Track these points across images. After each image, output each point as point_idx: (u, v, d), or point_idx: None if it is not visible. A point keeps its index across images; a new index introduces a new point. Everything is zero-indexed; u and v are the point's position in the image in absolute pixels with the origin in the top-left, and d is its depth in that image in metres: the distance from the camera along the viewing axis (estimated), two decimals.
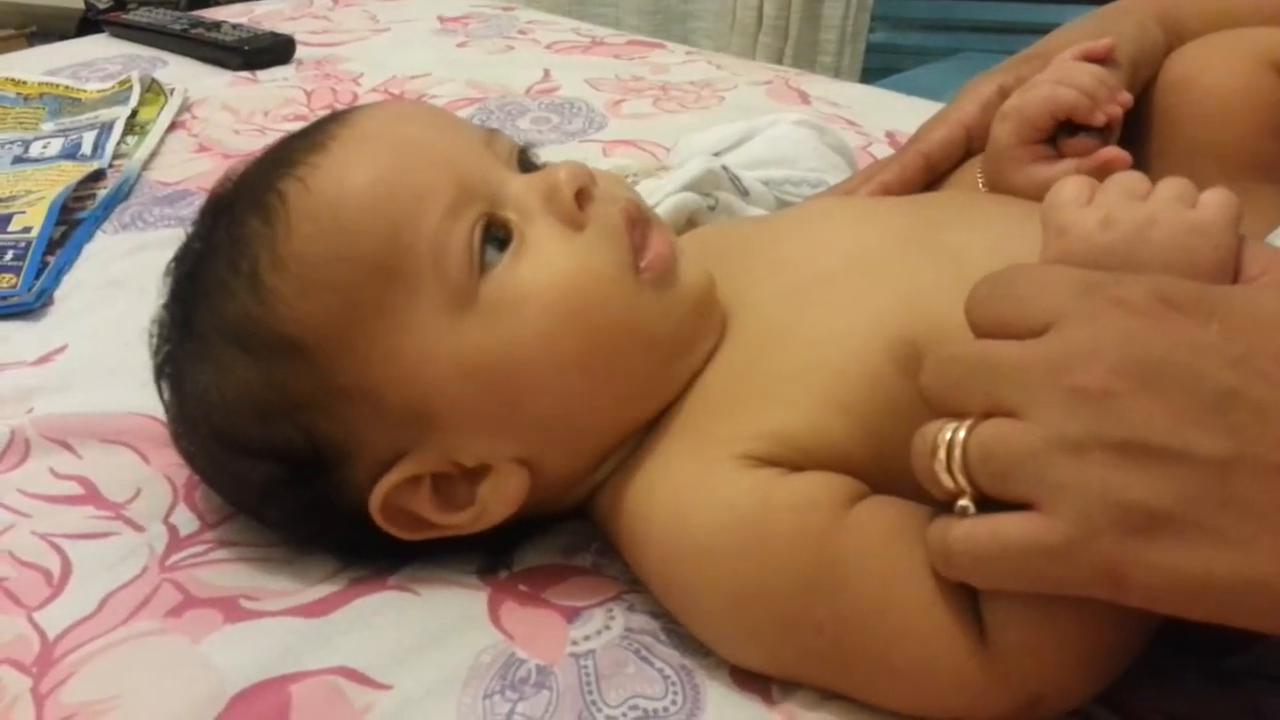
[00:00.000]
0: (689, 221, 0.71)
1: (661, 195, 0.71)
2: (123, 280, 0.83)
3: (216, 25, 1.40)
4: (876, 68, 2.34)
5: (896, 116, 1.09)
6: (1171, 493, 0.38)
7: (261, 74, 1.29)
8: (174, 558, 0.58)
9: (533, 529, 0.58)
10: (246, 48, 1.32)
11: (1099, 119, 0.63)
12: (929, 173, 0.73)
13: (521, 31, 1.44)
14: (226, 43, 1.34)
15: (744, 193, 0.78)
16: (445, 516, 0.53)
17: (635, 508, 0.52)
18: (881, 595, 0.46)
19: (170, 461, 0.63)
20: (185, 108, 1.17)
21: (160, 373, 0.57)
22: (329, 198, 0.51)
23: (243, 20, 1.46)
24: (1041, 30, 0.77)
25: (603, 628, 0.53)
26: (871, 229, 0.59)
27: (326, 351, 0.50)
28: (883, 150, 1.02)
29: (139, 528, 0.60)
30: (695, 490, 0.49)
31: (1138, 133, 0.67)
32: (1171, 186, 0.46)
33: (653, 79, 1.24)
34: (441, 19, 1.48)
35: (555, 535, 0.58)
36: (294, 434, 0.52)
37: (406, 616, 0.53)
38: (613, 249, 0.53)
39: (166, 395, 0.57)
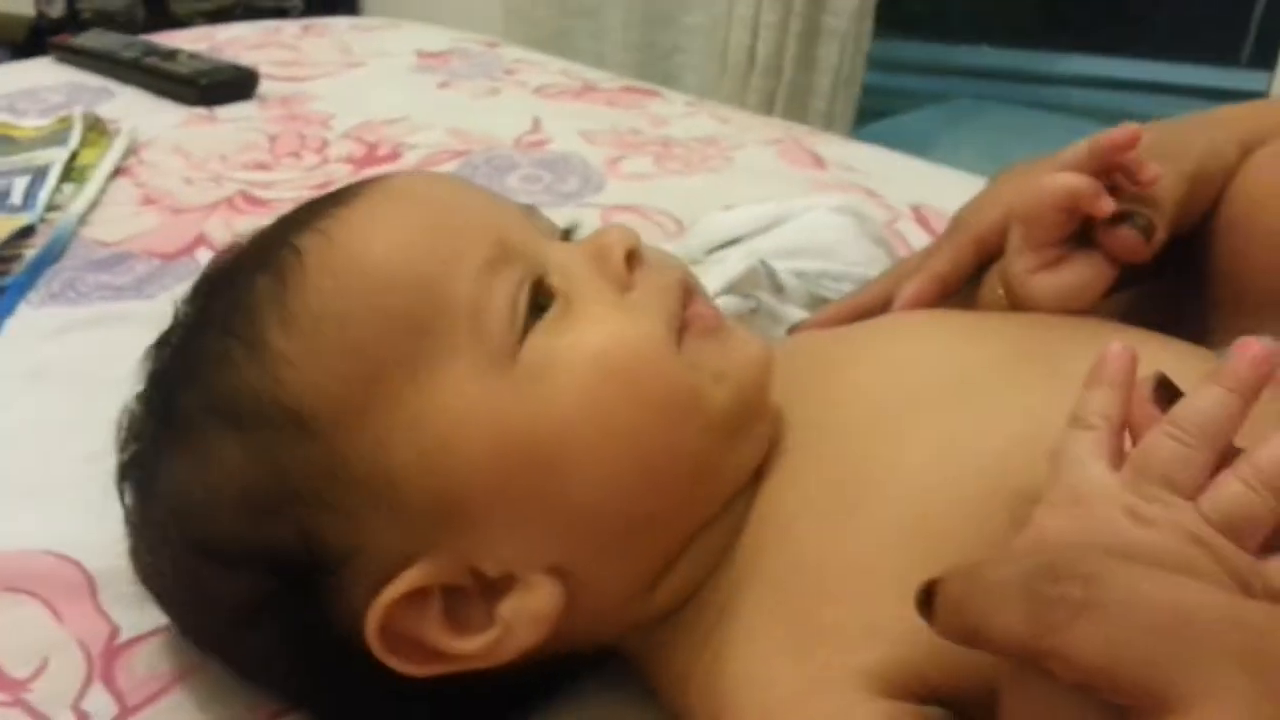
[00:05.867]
0: None
1: None
2: (46, 369, 0.71)
3: (172, 54, 1.27)
4: (868, 109, 2.26)
5: (920, 187, 0.99)
6: None
7: (220, 111, 1.16)
8: None
9: (556, 688, 0.48)
10: (204, 81, 1.19)
11: (1105, 207, 0.51)
12: (980, 260, 0.61)
13: (508, 71, 1.33)
14: (182, 74, 1.21)
15: (779, 288, 0.68)
16: (458, 641, 0.43)
17: (717, 701, 0.43)
18: None
19: (87, 622, 0.52)
20: (132, 150, 1.04)
21: (124, 474, 0.48)
22: (353, 248, 0.45)
23: (202, 47, 1.34)
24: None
25: None
26: (975, 349, 0.50)
27: (339, 425, 0.43)
28: (909, 228, 0.92)
29: (42, 717, 0.48)
30: (801, 713, 0.40)
31: (1196, 278, 0.55)
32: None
33: (653, 133, 1.13)
34: (421, 54, 1.37)
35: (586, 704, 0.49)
36: (287, 533, 0.43)
37: None
38: (664, 309, 0.47)
39: (129, 501, 0.48)
